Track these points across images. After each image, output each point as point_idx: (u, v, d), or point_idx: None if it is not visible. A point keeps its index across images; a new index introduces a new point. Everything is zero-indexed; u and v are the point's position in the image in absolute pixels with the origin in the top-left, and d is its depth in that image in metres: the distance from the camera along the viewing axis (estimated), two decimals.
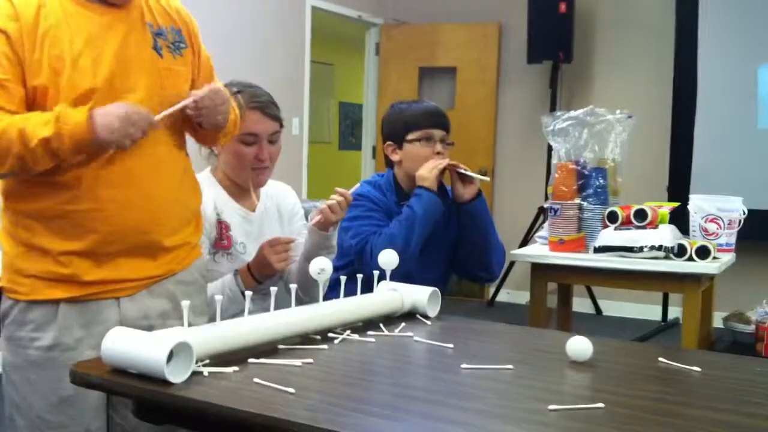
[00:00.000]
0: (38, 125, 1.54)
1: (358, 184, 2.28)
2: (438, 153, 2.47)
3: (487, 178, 2.54)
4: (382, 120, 2.62)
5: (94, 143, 1.57)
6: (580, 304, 5.82)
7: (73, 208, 1.64)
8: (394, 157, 2.53)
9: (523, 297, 3.20)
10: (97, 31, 1.66)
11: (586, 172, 2.77)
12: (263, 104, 2.08)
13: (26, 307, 1.67)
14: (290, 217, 2.25)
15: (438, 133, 2.49)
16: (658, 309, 5.69)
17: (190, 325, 1.38)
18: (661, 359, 1.50)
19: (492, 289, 6.19)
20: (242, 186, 2.13)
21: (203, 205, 1.93)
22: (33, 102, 1.60)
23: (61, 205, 1.64)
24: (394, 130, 2.53)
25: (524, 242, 5.52)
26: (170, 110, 1.68)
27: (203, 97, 1.70)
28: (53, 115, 1.55)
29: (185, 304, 1.35)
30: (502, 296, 6.15)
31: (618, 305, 5.84)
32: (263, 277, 2.05)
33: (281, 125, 2.13)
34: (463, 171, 2.45)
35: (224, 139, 1.90)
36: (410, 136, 2.48)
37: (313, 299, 1.77)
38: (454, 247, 2.53)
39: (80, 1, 1.66)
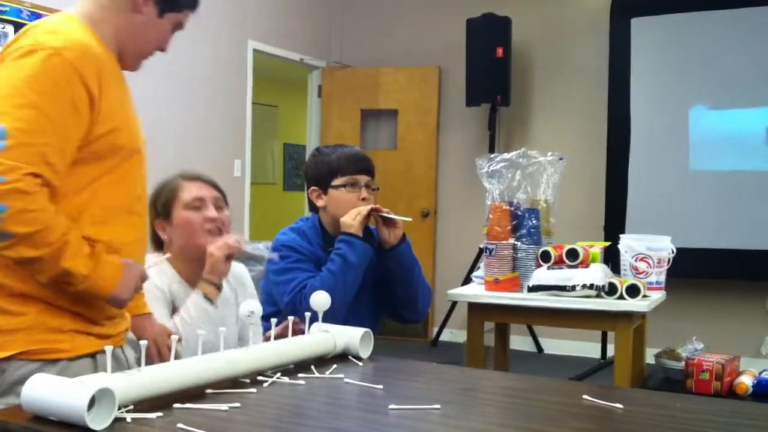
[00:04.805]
0: (79, 255, 1.55)
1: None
2: (363, 198, 2.49)
3: (410, 218, 2.51)
4: (306, 165, 2.63)
5: (110, 300, 1.65)
6: (522, 342, 5.88)
7: None
8: (319, 203, 2.53)
9: (465, 336, 3.21)
10: (125, 91, 1.74)
11: (520, 213, 2.81)
12: (200, 174, 2.20)
13: (67, 365, 1.60)
14: (243, 292, 2.27)
15: (363, 178, 2.51)
16: (598, 347, 5.77)
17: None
18: (585, 397, 1.53)
19: (435, 329, 6.22)
20: (198, 270, 2.09)
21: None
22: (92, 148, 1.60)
23: None
24: (319, 176, 2.53)
25: (466, 281, 5.56)
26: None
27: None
28: (92, 257, 1.58)
29: (108, 349, 1.34)
30: (446, 336, 6.18)
31: (559, 343, 5.91)
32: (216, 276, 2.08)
33: (223, 195, 2.20)
34: (386, 215, 2.47)
35: None
36: (335, 182, 2.50)
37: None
38: (382, 287, 2.54)
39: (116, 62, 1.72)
